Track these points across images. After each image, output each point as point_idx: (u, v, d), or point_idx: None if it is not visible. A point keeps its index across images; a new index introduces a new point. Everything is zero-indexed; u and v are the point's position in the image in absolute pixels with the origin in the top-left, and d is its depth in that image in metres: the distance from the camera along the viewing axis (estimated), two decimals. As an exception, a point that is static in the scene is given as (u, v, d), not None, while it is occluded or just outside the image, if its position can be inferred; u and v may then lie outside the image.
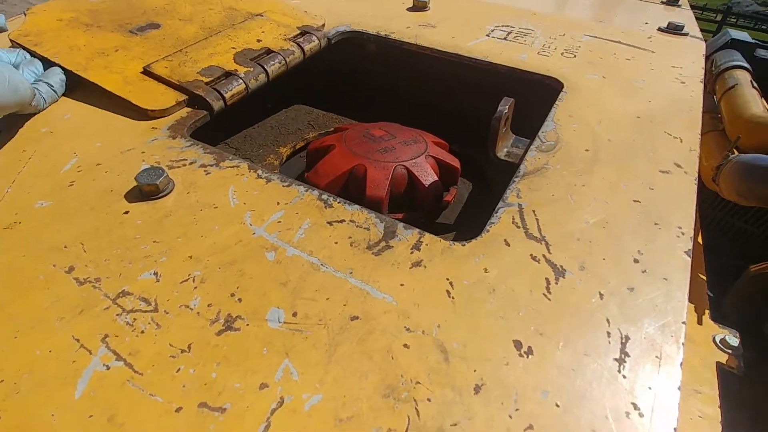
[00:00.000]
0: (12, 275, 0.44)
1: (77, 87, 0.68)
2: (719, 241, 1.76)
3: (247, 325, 0.40)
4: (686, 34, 0.88)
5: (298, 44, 0.79)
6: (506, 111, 0.57)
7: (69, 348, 0.38)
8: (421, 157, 0.66)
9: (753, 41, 1.85)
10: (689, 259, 0.46)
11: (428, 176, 0.64)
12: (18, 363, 0.38)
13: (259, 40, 0.78)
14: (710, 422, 0.79)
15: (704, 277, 1.21)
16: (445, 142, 0.75)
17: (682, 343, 0.39)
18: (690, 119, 0.64)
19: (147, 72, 0.68)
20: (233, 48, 0.76)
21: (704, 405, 0.83)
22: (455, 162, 0.70)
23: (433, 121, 0.81)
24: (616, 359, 0.38)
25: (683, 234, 0.49)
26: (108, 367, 0.37)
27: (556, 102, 0.67)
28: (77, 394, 0.36)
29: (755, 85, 1.48)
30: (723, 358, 0.98)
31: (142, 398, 0.35)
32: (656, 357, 0.38)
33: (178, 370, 0.37)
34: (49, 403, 0.35)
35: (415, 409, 0.35)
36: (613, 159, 0.58)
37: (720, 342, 1.01)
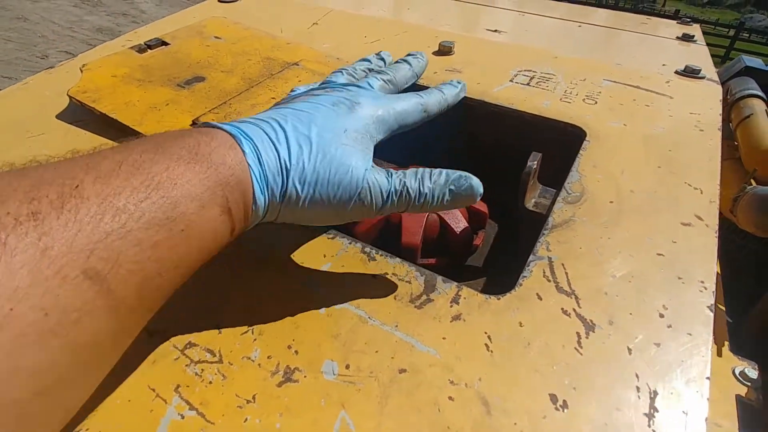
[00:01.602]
0: (90, 325, 0.49)
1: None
2: (738, 266, 1.76)
3: (305, 377, 0.44)
4: (703, 78, 0.92)
5: (333, 93, 0.84)
6: (535, 166, 0.61)
7: (147, 397, 0.43)
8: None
9: (767, 68, 1.87)
10: (712, 315, 0.49)
11: (459, 223, 0.68)
12: (101, 415, 0.42)
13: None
14: None
15: (723, 308, 1.22)
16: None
17: (707, 399, 0.42)
18: (709, 169, 0.67)
19: (195, 124, 0.74)
20: (273, 98, 0.81)
21: None
22: (483, 207, 0.74)
23: (459, 164, 0.85)
24: (645, 414, 0.41)
25: (706, 289, 0.52)
26: (183, 416, 0.41)
27: (580, 151, 0.70)
28: (158, 442, 0.40)
29: (771, 114, 1.51)
30: (742, 390, 1.00)
31: (216, 448, 0.39)
32: (683, 412, 0.41)
33: (246, 420, 0.41)
34: (134, 450, 0.39)
35: (463, 461, 0.38)
36: (636, 211, 0.61)
37: (740, 374, 1.03)
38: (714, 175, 0.67)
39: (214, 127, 0.39)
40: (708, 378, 0.44)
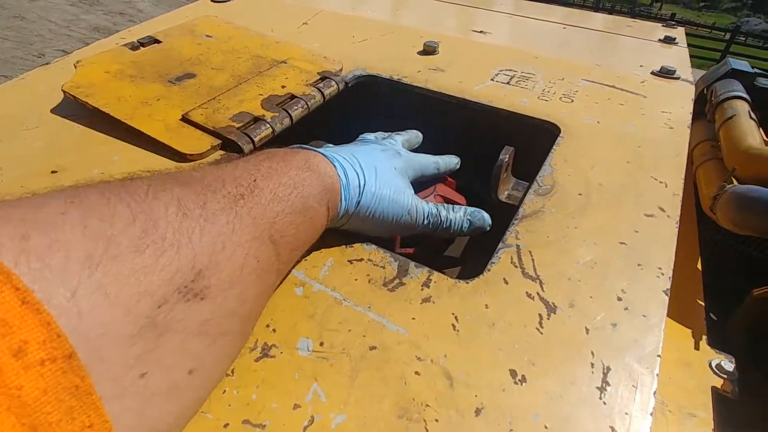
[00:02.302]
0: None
1: (126, 134, 0.76)
2: (722, 265, 1.79)
3: (281, 353, 0.47)
4: (677, 78, 0.95)
5: (319, 89, 0.87)
6: (507, 159, 0.64)
7: (132, 371, 0.45)
8: (430, 196, 0.73)
9: (753, 71, 1.91)
10: (667, 298, 0.52)
11: (437, 214, 0.71)
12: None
13: (283, 86, 0.87)
14: None
15: (702, 303, 1.26)
16: (452, 179, 0.82)
17: (656, 374, 0.45)
18: (676, 164, 0.70)
19: (185, 119, 0.77)
20: (261, 95, 0.84)
21: (699, 428, 0.87)
22: (461, 200, 0.77)
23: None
24: (597, 387, 0.44)
25: (663, 274, 0.55)
26: (165, 388, 0.44)
27: (554, 147, 0.74)
28: (141, 411, 0.43)
29: (753, 115, 1.54)
30: (719, 382, 1.03)
31: (196, 415, 0.42)
32: (633, 386, 0.44)
33: (224, 391, 0.44)
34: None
35: (425, 428, 0.41)
36: (603, 202, 0.64)
37: (716, 367, 1.06)
38: (679, 169, 0.70)
39: (307, 149, 0.51)
40: (659, 356, 0.47)
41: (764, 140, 1.41)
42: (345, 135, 1.05)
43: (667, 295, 0.53)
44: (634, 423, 0.42)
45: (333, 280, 0.54)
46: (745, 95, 1.67)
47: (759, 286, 1.51)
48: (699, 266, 1.40)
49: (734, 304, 1.61)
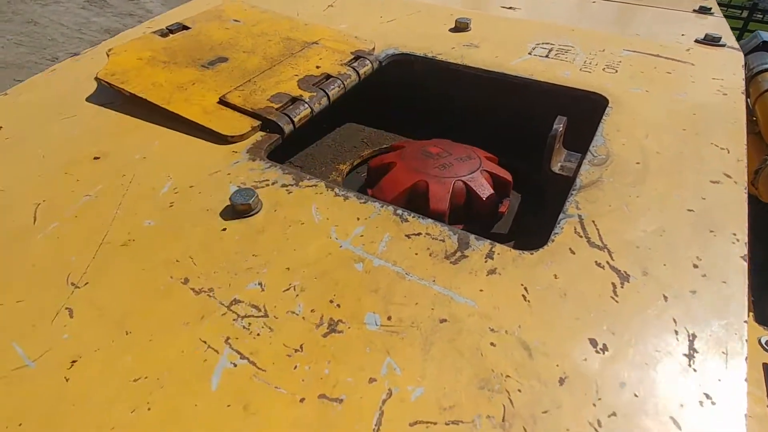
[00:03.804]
0: (137, 286, 0.51)
1: (163, 119, 0.75)
2: (760, 242, 1.75)
3: (349, 328, 0.46)
4: (723, 45, 0.92)
5: (354, 68, 0.85)
6: (561, 129, 0.62)
7: (199, 348, 0.44)
8: (476, 172, 0.71)
9: (784, 43, 1.85)
10: (746, 264, 0.50)
11: (485, 190, 0.69)
12: (157, 362, 0.44)
13: (318, 67, 0.85)
14: (759, 421, 0.81)
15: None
16: (494, 156, 0.80)
17: (746, 340, 0.43)
18: (735, 130, 0.68)
19: (223, 102, 0.75)
20: (296, 75, 0.82)
21: (753, 405, 0.85)
22: (507, 175, 0.75)
23: (480, 136, 0.86)
24: (685, 354, 0.42)
25: (738, 240, 0.52)
26: (235, 365, 0.43)
27: (603, 117, 0.71)
28: (213, 387, 0.42)
29: (789, 88, 1.49)
30: (768, 359, 1.00)
31: (269, 391, 0.41)
32: (723, 352, 0.42)
33: (295, 367, 0.43)
34: (191, 396, 0.41)
35: (509, 398, 0.40)
36: (663, 171, 0.62)
37: (765, 343, 1.02)
38: (740, 135, 0.67)
39: None
40: (746, 321, 0.45)
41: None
42: (382, 117, 1.03)
43: (745, 260, 0.50)
44: (728, 388, 0.40)
45: (392, 254, 0.53)
46: (779, 68, 1.61)
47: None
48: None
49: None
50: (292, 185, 0.64)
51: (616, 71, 0.83)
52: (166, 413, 0.40)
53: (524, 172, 0.83)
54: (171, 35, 0.93)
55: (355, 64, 0.86)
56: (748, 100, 1.56)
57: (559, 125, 0.64)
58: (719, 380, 0.40)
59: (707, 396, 0.39)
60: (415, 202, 0.69)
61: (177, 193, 0.63)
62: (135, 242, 0.56)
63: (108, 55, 0.86)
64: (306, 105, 0.77)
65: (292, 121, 0.75)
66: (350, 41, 0.94)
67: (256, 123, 0.73)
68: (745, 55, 1.73)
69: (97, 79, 0.81)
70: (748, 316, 1.13)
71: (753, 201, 1.36)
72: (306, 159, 0.91)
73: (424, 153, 0.75)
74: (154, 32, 0.93)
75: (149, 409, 0.40)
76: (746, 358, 0.42)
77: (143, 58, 0.84)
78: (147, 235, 0.57)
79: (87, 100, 0.83)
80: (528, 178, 0.82)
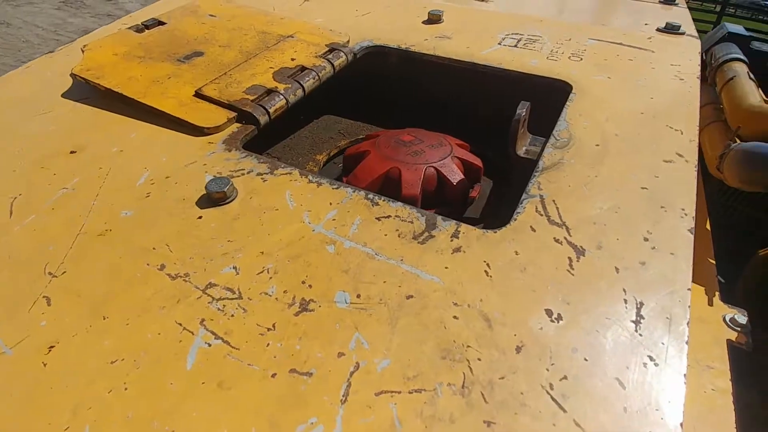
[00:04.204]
0: (114, 273, 0.52)
1: (139, 113, 0.76)
2: (729, 228, 1.81)
3: (320, 306, 0.48)
4: (683, 33, 0.95)
5: (329, 60, 0.87)
6: (524, 114, 0.65)
7: (174, 330, 0.46)
8: (447, 158, 0.74)
9: (748, 34, 1.91)
10: (692, 236, 0.53)
11: (455, 175, 0.71)
12: (134, 345, 0.45)
13: (293, 59, 0.86)
14: (722, 394, 0.85)
15: (713, 262, 1.27)
16: (466, 143, 0.83)
17: (688, 306, 0.46)
18: (689, 112, 0.71)
19: (198, 95, 0.77)
20: (271, 68, 0.84)
21: (716, 379, 0.89)
22: (478, 162, 0.78)
23: (453, 124, 0.88)
24: (633, 321, 0.45)
25: (686, 215, 0.56)
26: (209, 345, 0.45)
27: (567, 103, 0.74)
28: (188, 366, 0.43)
29: (752, 76, 1.54)
30: (733, 335, 1.04)
31: (242, 367, 0.43)
32: (667, 318, 0.45)
33: (268, 344, 0.45)
34: (167, 375, 0.43)
35: (469, 367, 0.42)
36: (621, 152, 0.65)
37: (730, 321, 1.07)
38: (694, 117, 0.71)
39: None
40: (689, 289, 0.48)
41: (764, 99, 1.42)
42: (359, 108, 1.05)
43: (692, 233, 0.53)
44: (670, 351, 0.43)
45: (363, 236, 0.55)
46: (743, 57, 1.66)
47: (764, 247, 1.53)
48: (708, 227, 1.41)
49: (742, 265, 1.62)
50: (267, 174, 0.65)
51: (581, 59, 0.86)
52: (143, 392, 0.42)
53: (495, 158, 0.85)
54: (146, 31, 0.93)
55: (330, 56, 0.88)
56: (715, 88, 1.61)
57: (522, 110, 0.66)
58: (662, 343, 0.44)
59: (651, 358, 0.43)
60: (389, 188, 0.71)
61: (153, 184, 0.64)
62: (112, 232, 0.58)
63: (83, 51, 0.86)
64: (281, 96, 0.78)
65: (268, 113, 0.76)
66: (325, 34, 0.95)
67: (232, 115, 0.75)
68: (712, 46, 1.78)
69: (72, 74, 0.82)
70: (714, 295, 1.17)
71: (724, 190, 1.41)
72: (284, 150, 0.92)
73: (397, 141, 0.77)
74: (129, 28, 0.93)
75: (126, 388, 0.42)
76: (688, 323, 0.45)
77: (118, 53, 0.85)
78: (124, 224, 0.59)
79: (63, 96, 0.83)
80: (499, 165, 0.85)
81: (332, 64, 0.86)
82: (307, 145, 0.93)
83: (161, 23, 0.96)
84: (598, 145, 0.66)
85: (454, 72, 0.87)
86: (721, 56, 1.71)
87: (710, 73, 1.67)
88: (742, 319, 1.09)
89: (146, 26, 0.93)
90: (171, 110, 0.74)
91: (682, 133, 0.67)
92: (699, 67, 0.83)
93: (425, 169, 0.70)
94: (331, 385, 0.41)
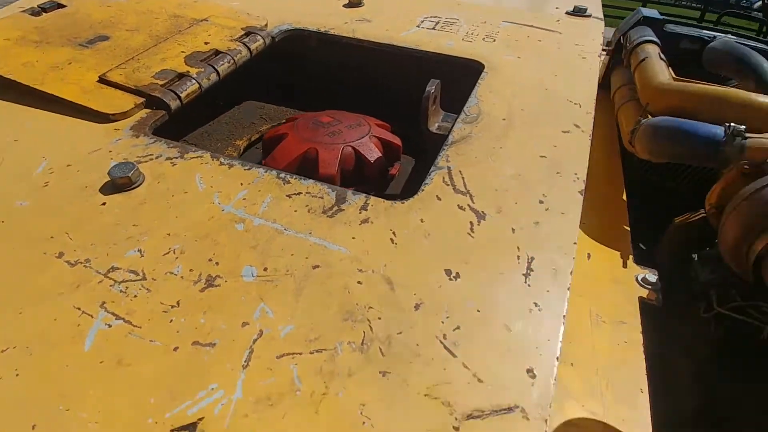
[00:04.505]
0: (6, 265, 0.50)
1: (37, 101, 0.72)
2: (650, 199, 1.94)
3: (226, 281, 0.48)
4: (589, 16, 1.01)
5: (245, 44, 0.85)
6: (433, 90, 0.67)
7: (72, 315, 0.45)
8: (365, 138, 0.75)
9: (662, 17, 2.05)
10: (581, 197, 0.57)
11: (373, 153, 0.73)
12: (27, 333, 0.44)
13: (206, 43, 0.85)
14: (633, 346, 0.92)
15: (628, 228, 1.36)
16: (387, 123, 0.84)
17: (573, 258, 0.50)
18: (588, 88, 0.76)
19: (103, 80, 0.74)
20: (183, 52, 0.82)
21: (628, 333, 0.96)
22: (396, 140, 0.80)
23: (375, 106, 0.90)
24: (523, 274, 0.49)
25: (578, 179, 0.60)
26: (110, 326, 0.44)
27: (479, 81, 0.77)
28: (86, 348, 0.42)
29: (663, 56, 1.66)
30: (644, 293, 1.13)
31: (143, 344, 0.43)
32: (553, 269, 0.49)
33: (171, 320, 0.44)
34: (62, 358, 0.42)
35: (369, 326, 0.44)
36: (524, 125, 0.69)
37: (641, 280, 1.16)
38: (591, 91, 0.76)
39: None
40: (575, 243, 0.52)
41: (673, 77, 1.53)
42: (281, 93, 1.05)
43: (581, 195, 0.58)
44: (553, 297, 0.46)
45: (273, 213, 0.55)
46: (655, 39, 1.79)
47: (679, 215, 1.66)
48: (624, 197, 1.50)
49: (660, 233, 1.75)
50: (176, 158, 0.64)
51: (494, 40, 0.90)
52: (36, 376, 0.41)
53: (416, 137, 0.87)
54: (44, 14, 0.88)
55: (246, 40, 0.87)
56: (630, 69, 1.72)
57: (431, 87, 0.69)
58: (547, 291, 0.47)
59: (536, 304, 0.46)
60: (307, 169, 0.71)
61: (53, 173, 0.61)
62: (5, 224, 0.55)
63: (-27, 37, 0.81)
64: (193, 81, 0.77)
65: (179, 97, 0.74)
66: (241, 18, 0.94)
67: (140, 100, 0.72)
68: (628, 30, 1.90)
69: (-39, 62, 0.76)
70: (628, 259, 1.25)
71: (637, 166, 1.51)
72: (201, 137, 0.91)
73: (315, 123, 0.78)
74: (24, 11, 0.88)
75: (17, 374, 0.41)
76: (572, 272, 0.49)
77: (11, 38, 0.80)
78: (19, 215, 0.56)
79: (-50, 85, 0.77)
80: (419, 144, 0.88)
81: (248, 48, 0.85)
82: (226, 131, 0.92)
83: (61, 6, 0.91)
84: (504, 119, 0.70)
85: (374, 55, 0.89)
86: (636, 39, 1.82)
87: (626, 55, 1.78)
88: (653, 277, 1.19)
89: (43, 9, 0.88)
90: (72, 97, 0.70)
91: (580, 106, 0.72)
92: (600, 46, 0.89)
93: (343, 149, 0.71)
94: (234, 353, 0.42)
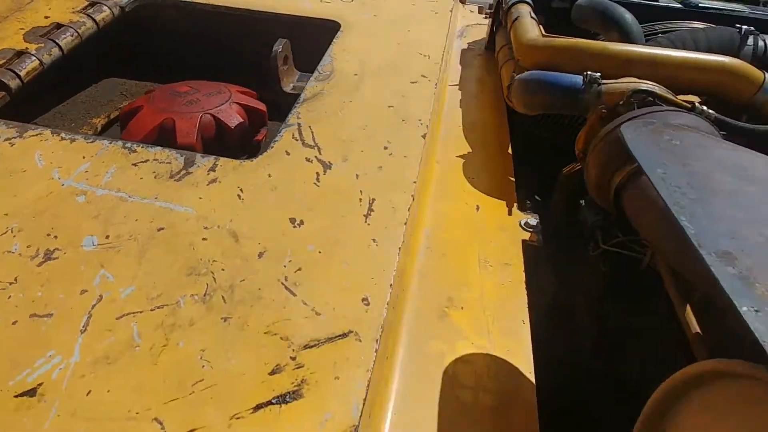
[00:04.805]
0: None
1: None
2: (541, 153, 2.09)
3: (65, 253, 0.47)
4: (447, -26, 1.05)
5: (89, 15, 0.81)
6: (280, 50, 0.68)
7: None
8: (225, 104, 0.75)
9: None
10: (424, 140, 0.62)
11: (233, 119, 0.73)
12: None
13: (47, 17, 0.79)
14: (516, 285, 1.01)
15: (513, 179, 1.47)
16: (251, 91, 0.84)
17: (412, 195, 0.55)
18: (438, 41, 0.81)
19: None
20: (22, 29, 0.76)
21: (512, 273, 1.05)
22: (261, 105, 0.80)
23: (240, 73, 0.89)
24: (364, 214, 0.53)
25: (421, 124, 0.65)
26: (-66, 312, 0.42)
27: (334, 40, 0.79)
28: None
29: (533, 15, 1.78)
30: (527, 236, 1.24)
31: (-24, 324, 0.42)
32: (392, 207, 0.54)
33: (9, 297, 0.44)
34: None
35: (213, 277, 0.46)
36: (375, 78, 0.72)
37: (524, 224, 1.27)
38: (440, 45, 0.81)
39: None
40: (415, 182, 0.57)
41: (542, 34, 1.65)
42: (143, 67, 0.99)
43: (424, 138, 0.63)
44: (389, 233, 0.51)
45: (117, 183, 0.55)
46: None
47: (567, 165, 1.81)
48: (510, 151, 1.61)
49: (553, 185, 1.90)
50: (15, 137, 0.61)
51: (352, 0, 0.92)
52: None
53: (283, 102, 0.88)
54: None
55: (90, 11, 0.82)
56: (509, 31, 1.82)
57: (278, 47, 0.70)
58: (386, 227, 0.52)
59: (374, 240, 0.50)
60: (165, 139, 0.70)
61: None
62: None
63: None
64: (33, 57, 0.72)
65: (18, 76, 0.70)
66: (86, -11, 0.88)
67: (-28, 82, 0.67)
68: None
69: None
70: (513, 207, 1.35)
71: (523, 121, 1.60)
72: (53, 118, 0.85)
73: (172, 93, 0.76)
74: None
75: None
76: (409, 208, 0.54)
77: None
78: None
79: None
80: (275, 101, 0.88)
81: (94, 20, 0.81)
82: (82, 110, 0.87)
83: None
84: (356, 74, 0.73)
85: (231, 20, 0.88)
86: (510, 0, 1.93)
87: (503, 16, 1.88)
88: (533, 221, 1.30)
89: None
90: None
91: (429, 58, 0.77)
92: (453, 2, 0.93)
93: (201, 117, 0.71)
94: (72, 319, 0.42)
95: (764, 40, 1.44)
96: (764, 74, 1.22)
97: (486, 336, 0.78)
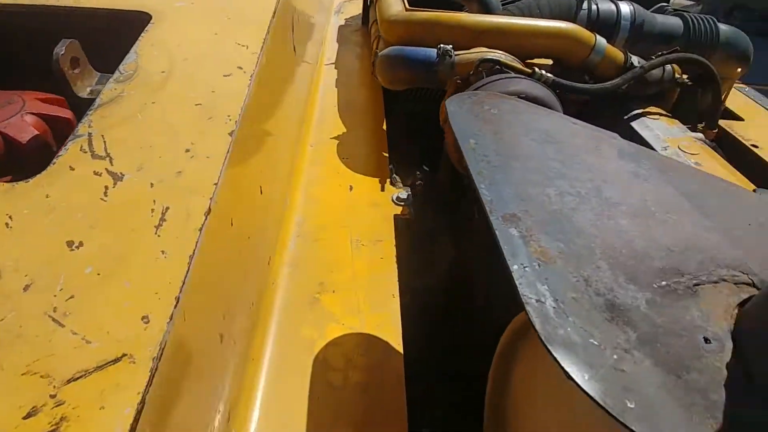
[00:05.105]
0: None
1: None
2: (422, 127, 2.14)
3: None
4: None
5: None
6: (63, 52, 0.61)
7: None
8: (15, 117, 0.67)
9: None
10: (231, 138, 0.59)
11: (25, 133, 0.65)
12: None
13: None
14: (387, 260, 1.03)
15: (387, 155, 1.50)
16: (59, 97, 0.76)
17: (210, 198, 0.53)
18: (257, 29, 0.77)
19: None
20: None
21: (384, 249, 1.07)
22: (67, 113, 0.72)
23: (47, 79, 0.80)
24: (155, 226, 0.49)
25: (230, 120, 0.62)
26: None
27: (142, 34, 0.73)
28: None
29: (398, -10, 1.78)
30: (399, 210, 1.27)
31: None
32: (187, 214, 0.51)
33: None
34: None
35: (-38, 323, 0.41)
36: (185, 74, 0.67)
37: (396, 199, 1.30)
38: (261, 32, 0.78)
39: None
40: (216, 184, 0.54)
41: (406, 8, 1.66)
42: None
43: (232, 136, 0.60)
44: (180, 242, 0.48)
45: None
46: (387, -24, 1.90)
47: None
48: (384, 127, 1.62)
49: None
50: None
51: (168, -12, 0.85)
52: None
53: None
54: None
55: None
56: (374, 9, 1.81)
57: (61, 49, 0.63)
58: (176, 237, 0.49)
59: (162, 252, 0.47)
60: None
61: None
62: None
63: None
64: None
65: None
66: None
67: None
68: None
69: None
70: (386, 182, 1.36)
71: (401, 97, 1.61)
72: None
73: (-54, 110, 0.66)
74: None
75: None
76: (206, 213, 0.51)
77: None
78: None
79: None
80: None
81: None
82: None
83: None
84: (164, 71, 0.68)
85: (21, 21, 0.77)
86: (375, -24, 1.92)
87: (373, -4, 1.87)
88: (404, 194, 1.33)
89: None
90: None
91: (247, 48, 0.73)
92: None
93: (-19, 134, 0.62)
94: None
95: (596, 5, 1.57)
96: (595, 36, 1.33)
97: (357, 315, 0.79)
